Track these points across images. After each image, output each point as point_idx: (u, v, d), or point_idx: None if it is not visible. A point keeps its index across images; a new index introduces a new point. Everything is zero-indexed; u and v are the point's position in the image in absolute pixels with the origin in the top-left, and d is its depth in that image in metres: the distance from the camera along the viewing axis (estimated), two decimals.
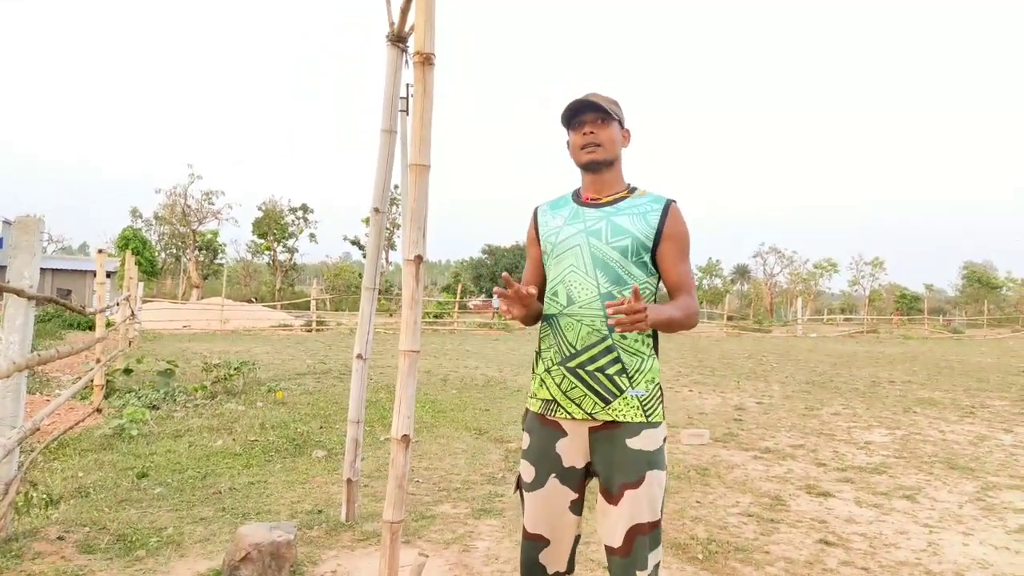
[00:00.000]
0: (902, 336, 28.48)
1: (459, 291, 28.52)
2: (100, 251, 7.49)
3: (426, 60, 2.68)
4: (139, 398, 7.71)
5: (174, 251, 45.62)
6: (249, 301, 34.50)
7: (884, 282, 61.69)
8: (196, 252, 42.19)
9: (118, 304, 9.76)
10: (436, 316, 25.97)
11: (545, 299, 2.17)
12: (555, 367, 2.07)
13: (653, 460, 2.02)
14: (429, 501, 4.23)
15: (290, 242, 47.45)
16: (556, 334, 2.09)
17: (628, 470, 1.99)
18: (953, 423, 7.57)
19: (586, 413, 2.02)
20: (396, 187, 45.18)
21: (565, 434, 2.07)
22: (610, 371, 2.01)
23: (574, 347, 2.04)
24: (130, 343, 14.59)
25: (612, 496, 2.01)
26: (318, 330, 22.02)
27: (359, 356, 3.91)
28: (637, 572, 1.99)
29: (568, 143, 2.18)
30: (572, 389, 2.03)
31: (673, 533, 3.74)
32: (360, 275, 52.82)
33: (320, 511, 3.96)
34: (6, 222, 37.77)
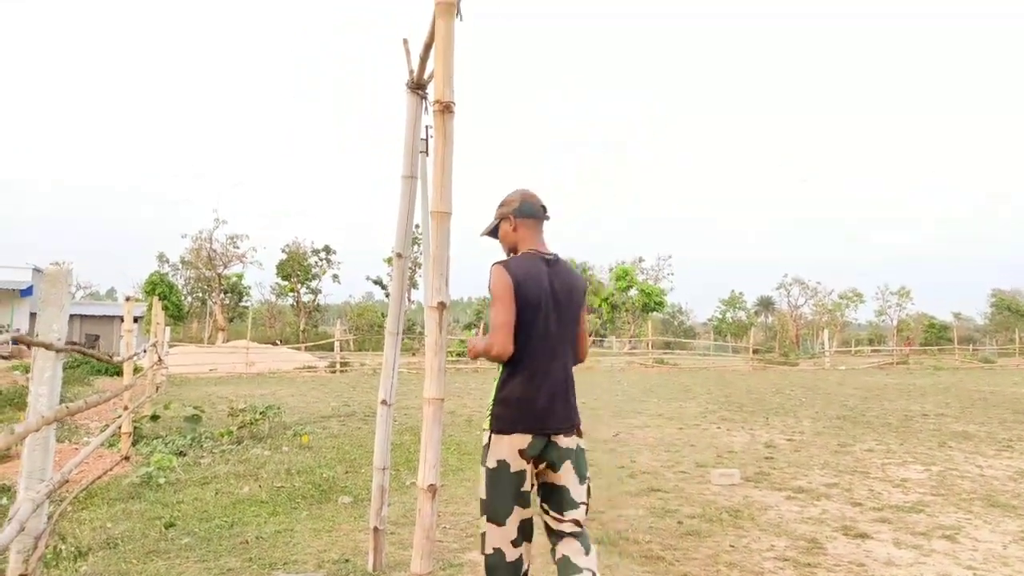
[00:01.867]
0: (932, 367, 27.96)
1: (481, 329, 28.39)
2: (128, 298, 7.60)
3: (446, 108, 2.72)
4: (166, 444, 7.74)
5: (200, 295, 46.14)
6: (274, 343, 34.72)
7: (912, 311, 60.82)
8: (221, 296, 42.64)
9: (145, 350, 9.86)
10: (459, 355, 25.90)
11: None
12: None
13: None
14: (456, 548, 4.18)
15: (313, 283, 47.85)
16: None
17: None
18: (991, 457, 7.38)
19: None
20: (417, 227, 45.46)
21: None
22: None
23: None
24: (157, 388, 14.70)
25: None
26: (342, 371, 22.08)
27: (383, 402, 3.90)
28: None
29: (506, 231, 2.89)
30: None
31: None
32: (383, 314, 53.04)
33: (347, 560, 3.92)
34: (36, 269, 38.55)
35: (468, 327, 49.23)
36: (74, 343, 3.48)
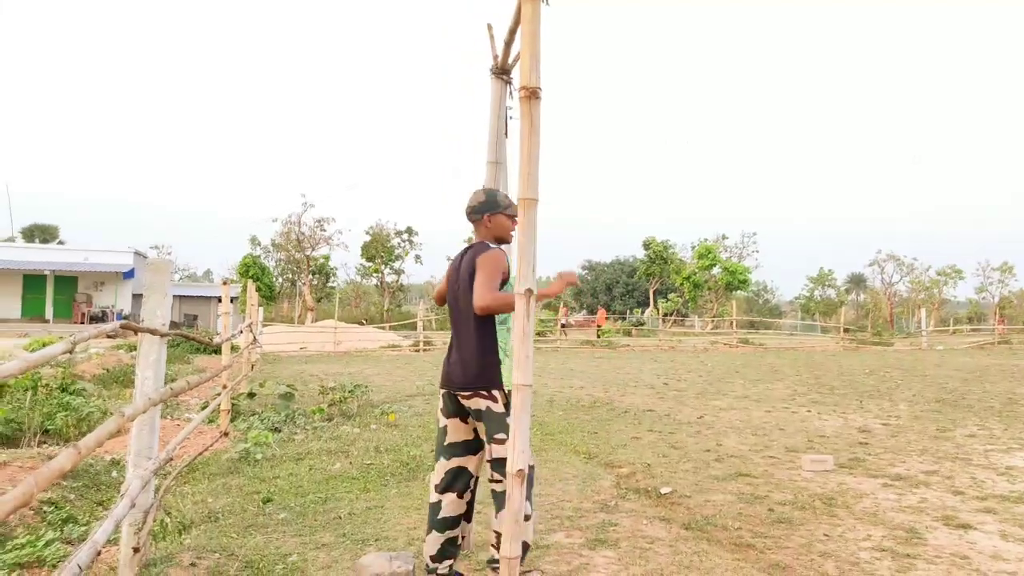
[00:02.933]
0: None
1: (560, 309, 28.41)
2: (225, 281, 7.90)
3: (532, 94, 2.68)
4: (262, 421, 8.05)
5: (290, 276, 47.75)
6: (360, 323, 35.63)
7: (1015, 288, 57.42)
8: (310, 277, 44.02)
9: (241, 331, 10.29)
10: (539, 334, 25.98)
11: (507, 316, 3.26)
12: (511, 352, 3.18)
13: None
14: (542, 530, 4.20)
15: (396, 264, 48.82)
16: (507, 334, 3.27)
17: None
18: None
19: None
20: None
21: None
22: None
23: None
24: (252, 366, 15.31)
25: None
26: (425, 350, 22.49)
27: None
28: None
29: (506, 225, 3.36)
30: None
31: (801, 570, 3.56)
32: None
33: None
34: (137, 253, 40.63)
35: (547, 306, 49.32)
36: (176, 324, 3.67)
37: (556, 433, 7.49)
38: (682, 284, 46.51)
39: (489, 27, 3.73)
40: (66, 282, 38.12)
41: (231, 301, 16.97)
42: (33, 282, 37.19)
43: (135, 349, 3.92)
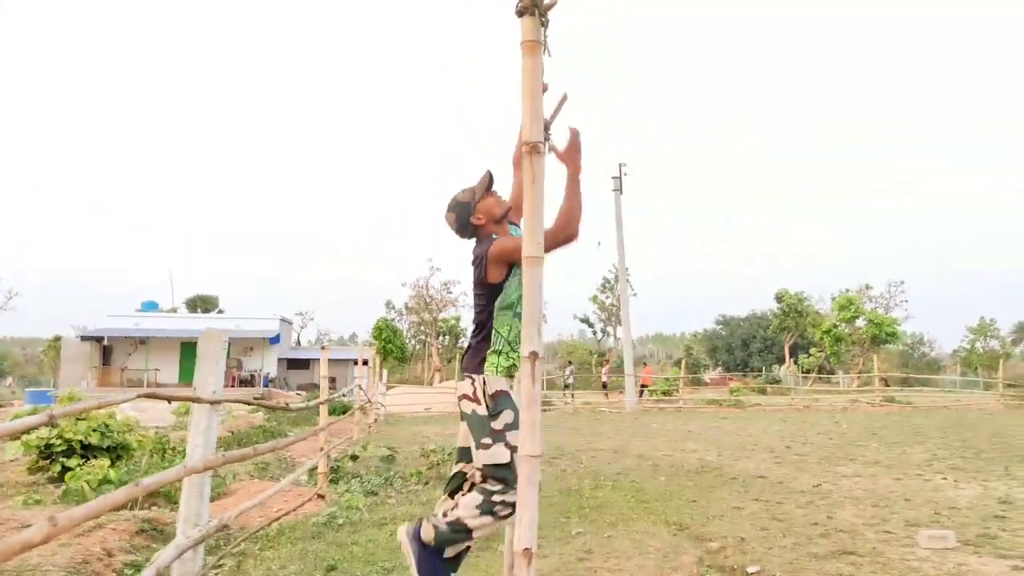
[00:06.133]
0: None
1: (683, 365, 27.50)
2: (323, 347, 8.16)
3: (534, 149, 2.60)
4: (362, 483, 8.16)
5: (423, 338, 49.20)
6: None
7: None
8: (438, 338, 45.19)
9: (351, 390, 10.60)
10: (664, 393, 25.21)
11: (514, 302, 3.14)
12: (517, 344, 3.07)
13: None
14: None
15: None
16: (518, 323, 3.09)
17: None
18: None
19: None
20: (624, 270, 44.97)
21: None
22: None
23: None
24: (369, 427, 15.74)
25: None
26: (545, 409, 22.30)
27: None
28: None
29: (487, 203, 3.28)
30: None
31: None
32: (591, 352, 53.28)
33: None
34: (283, 320, 43.25)
35: (677, 363, 47.98)
36: (315, 386, 3.71)
37: (651, 501, 7.10)
38: (822, 338, 43.96)
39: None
40: None
41: (364, 363, 17.56)
42: (190, 349, 40.26)
43: (272, 411, 4.05)
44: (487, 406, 3.06)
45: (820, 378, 47.69)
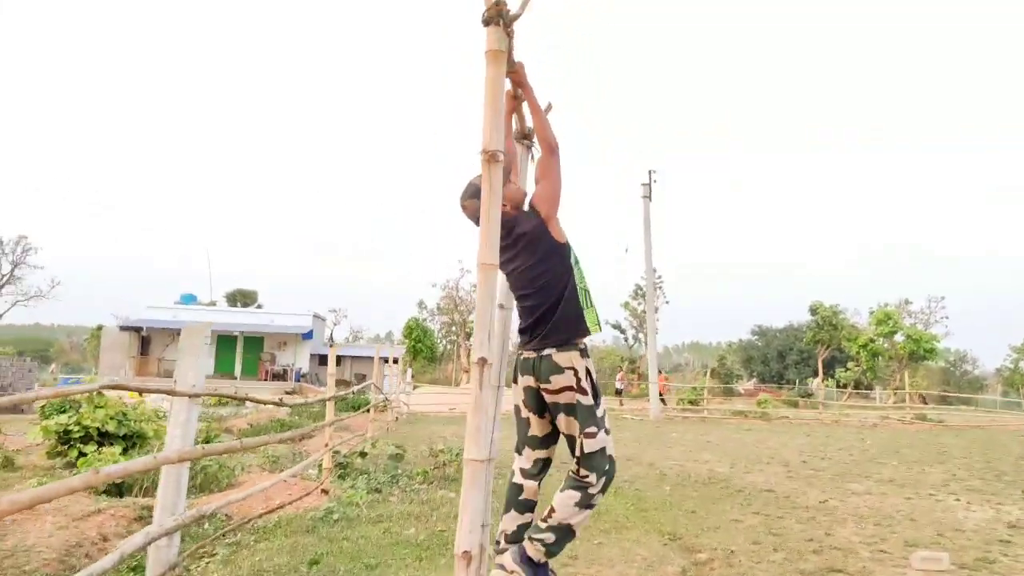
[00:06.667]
0: None
1: (709, 375, 27.21)
2: (331, 345, 8.27)
3: (492, 158, 2.65)
4: (368, 480, 8.26)
5: (453, 338, 49.44)
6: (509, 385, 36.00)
7: None
8: (468, 339, 45.35)
9: (364, 387, 10.71)
10: (691, 402, 24.97)
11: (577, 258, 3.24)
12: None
13: None
14: None
15: None
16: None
17: None
18: None
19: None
20: (655, 271, 44.62)
21: None
22: None
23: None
24: (387, 425, 15.89)
25: None
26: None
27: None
28: None
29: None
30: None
31: None
32: (622, 359, 52.96)
33: None
34: (316, 316, 43.79)
35: (709, 373, 47.47)
36: (347, 382, 3.80)
37: (650, 510, 7.08)
38: (858, 352, 43.10)
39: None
40: (253, 342, 41.77)
41: (394, 362, 17.69)
42: (225, 342, 41.06)
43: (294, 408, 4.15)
44: (591, 393, 3.06)
45: (857, 393, 46.78)
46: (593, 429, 3.01)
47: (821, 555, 5.46)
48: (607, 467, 2.99)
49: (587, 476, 3.04)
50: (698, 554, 5.45)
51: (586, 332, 3.08)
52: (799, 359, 60.76)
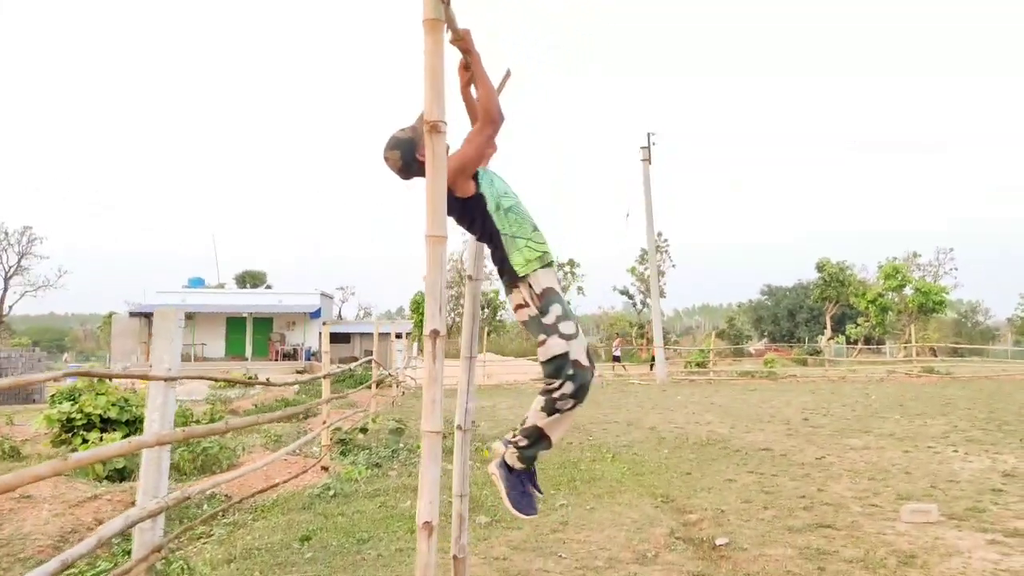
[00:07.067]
0: None
1: (714, 337, 27.22)
2: (324, 323, 8.29)
3: (434, 128, 2.62)
4: (369, 456, 8.34)
5: (462, 311, 49.56)
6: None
7: None
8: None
9: (363, 363, 10.77)
10: (698, 364, 25.01)
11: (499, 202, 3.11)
12: (535, 232, 3.13)
13: None
14: None
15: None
16: (521, 213, 3.15)
17: None
18: None
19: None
20: (660, 234, 44.30)
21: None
22: None
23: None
24: (393, 400, 16.01)
25: None
26: None
27: (459, 427, 3.84)
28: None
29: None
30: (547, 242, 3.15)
31: None
32: (631, 324, 53.07)
33: None
34: (324, 295, 43.92)
35: (720, 333, 47.50)
36: (355, 359, 3.75)
37: (646, 473, 7.13)
38: (867, 308, 42.94)
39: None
40: (263, 323, 41.95)
41: (404, 337, 17.73)
42: (235, 323, 41.27)
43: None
44: (537, 306, 3.06)
45: (868, 348, 46.72)
46: (543, 337, 2.98)
47: (811, 511, 5.49)
48: (570, 371, 2.97)
49: (550, 382, 3.07)
50: (688, 515, 5.50)
51: (515, 274, 3.06)
52: (809, 317, 60.70)
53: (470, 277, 3.85)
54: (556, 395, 3.05)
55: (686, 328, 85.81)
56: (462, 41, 2.95)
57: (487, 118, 2.95)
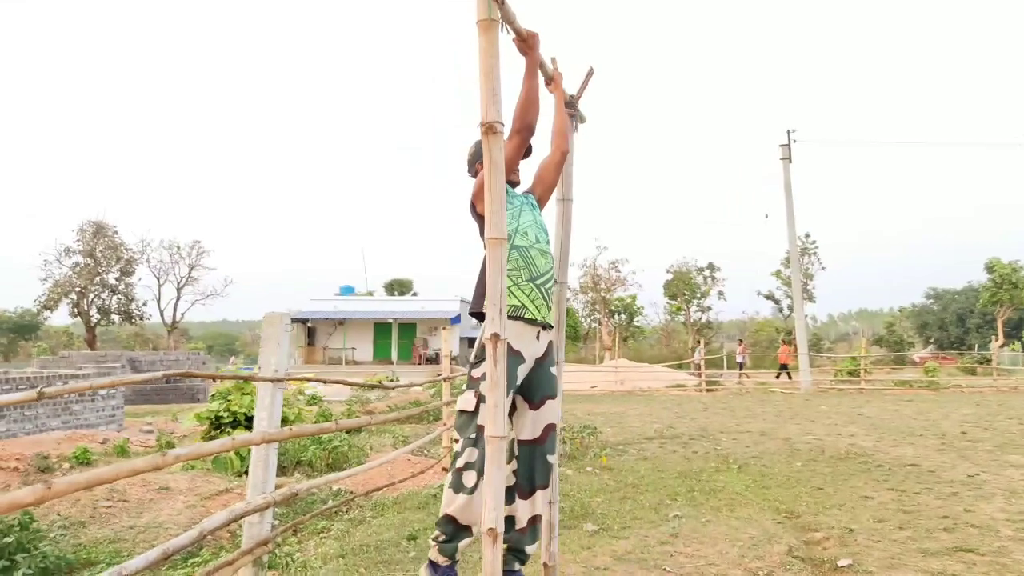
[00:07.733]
0: None
1: (864, 343, 25.44)
2: (443, 328, 8.45)
3: (490, 129, 2.60)
4: None
5: (598, 317, 49.33)
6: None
7: None
8: (612, 317, 45.10)
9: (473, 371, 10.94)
10: (849, 373, 23.46)
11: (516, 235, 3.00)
12: (524, 283, 2.97)
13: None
14: None
15: (703, 302, 48.01)
16: (526, 259, 3.00)
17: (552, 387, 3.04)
18: None
19: (543, 316, 2.97)
20: (808, 235, 42.20)
21: (523, 361, 2.87)
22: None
23: (540, 270, 3.04)
24: None
25: (534, 403, 2.97)
26: (709, 390, 21.57)
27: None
28: (549, 456, 3.02)
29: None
30: (537, 299, 2.97)
31: None
32: (777, 330, 50.66)
33: None
34: (463, 300, 45.07)
35: (879, 340, 44.39)
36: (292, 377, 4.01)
37: (771, 487, 6.76)
38: None
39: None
40: (407, 328, 43.63)
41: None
42: (382, 329, 43.17)
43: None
44: (476, 352, 2.85)
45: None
46: (465, 388, 2.93)
47: (953, 533, 4.99)
48: (473, 436, 2.76)
49: (455, 440, 2.93)
50: (813, 533, 5.16)
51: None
52: (982, 322, 55.63)
53: (555, 281, 3.78)
54: (460, 463, 2.80)
55: (841, 334, 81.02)
56: (525, 43, 2.88)
57: (514, 125, 2.85)
